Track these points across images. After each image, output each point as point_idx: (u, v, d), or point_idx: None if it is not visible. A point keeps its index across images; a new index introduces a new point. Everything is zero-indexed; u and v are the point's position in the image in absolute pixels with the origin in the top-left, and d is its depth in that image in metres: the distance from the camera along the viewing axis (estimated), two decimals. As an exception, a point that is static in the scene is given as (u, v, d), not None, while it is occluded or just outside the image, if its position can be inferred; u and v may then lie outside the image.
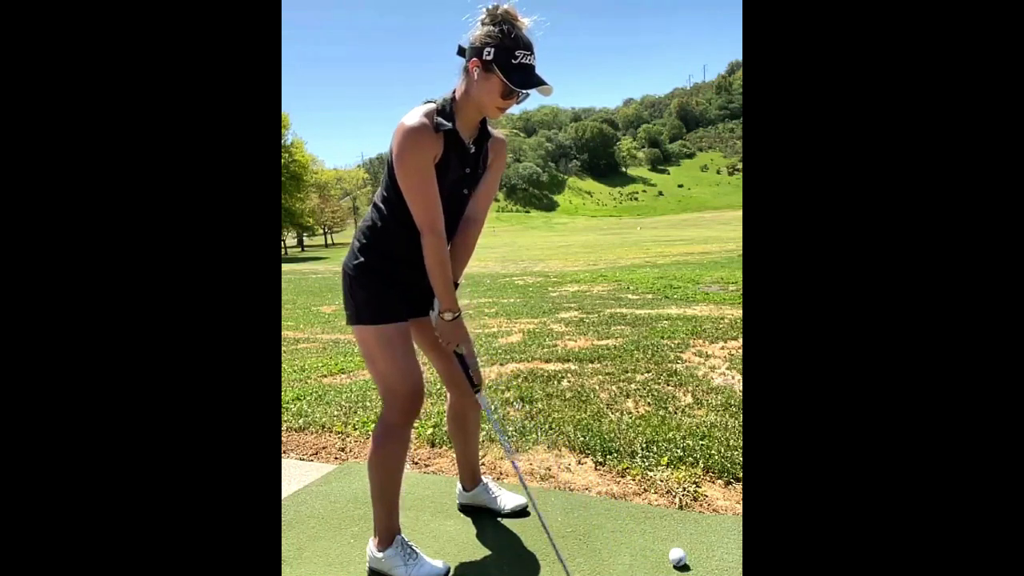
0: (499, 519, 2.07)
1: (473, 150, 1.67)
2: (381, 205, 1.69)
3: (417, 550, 1.76)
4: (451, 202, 1.66)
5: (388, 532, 1.75)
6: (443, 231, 1.60)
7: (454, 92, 1.61)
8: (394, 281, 1.71)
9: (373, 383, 3.83)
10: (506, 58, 1.50)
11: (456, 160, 1.63)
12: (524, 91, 1.52)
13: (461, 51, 1.57)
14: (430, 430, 2.87)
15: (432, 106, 1.59)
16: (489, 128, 1.73)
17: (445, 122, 1.57)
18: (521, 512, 2.09)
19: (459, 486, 2.16)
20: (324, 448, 2.84)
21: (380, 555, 1.74)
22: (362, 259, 1.70)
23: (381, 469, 1.72)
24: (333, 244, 66.13)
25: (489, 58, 1.50)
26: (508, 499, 2.12)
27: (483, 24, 1.52)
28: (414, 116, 1.55)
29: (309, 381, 4.06)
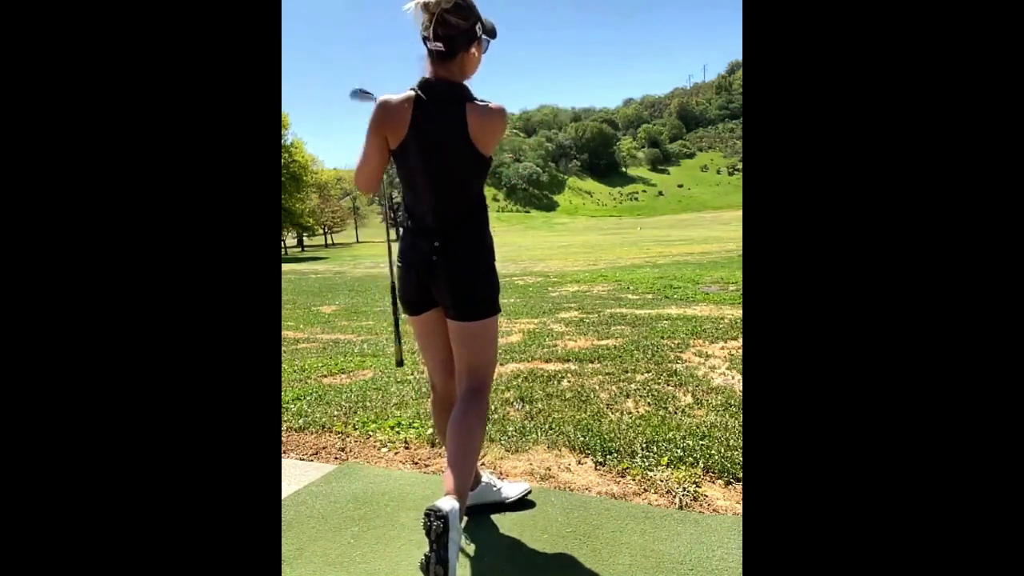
0: (499, 519, 2.07)
1: None
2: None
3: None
4: None
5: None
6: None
7: (455, 79, 1.69)
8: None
9: (373, 383, 3.84)
10: (482, 26, 1.68)
11: None
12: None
13: (442, 54, 1.65)
14: (430, 430, 2.87)
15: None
16: None
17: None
18: (526, 502, 2.09)
19: None
20: (324, 448, 2.84)
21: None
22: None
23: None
24: (333, 244, 66.09)
25: (481, 34, 1.68)
26: (510, 489, 2.12)
27: (438, 16, 1.60)
28: (495, 101, 1.70)
29: (309, 381, 4.06)
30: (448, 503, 1.53)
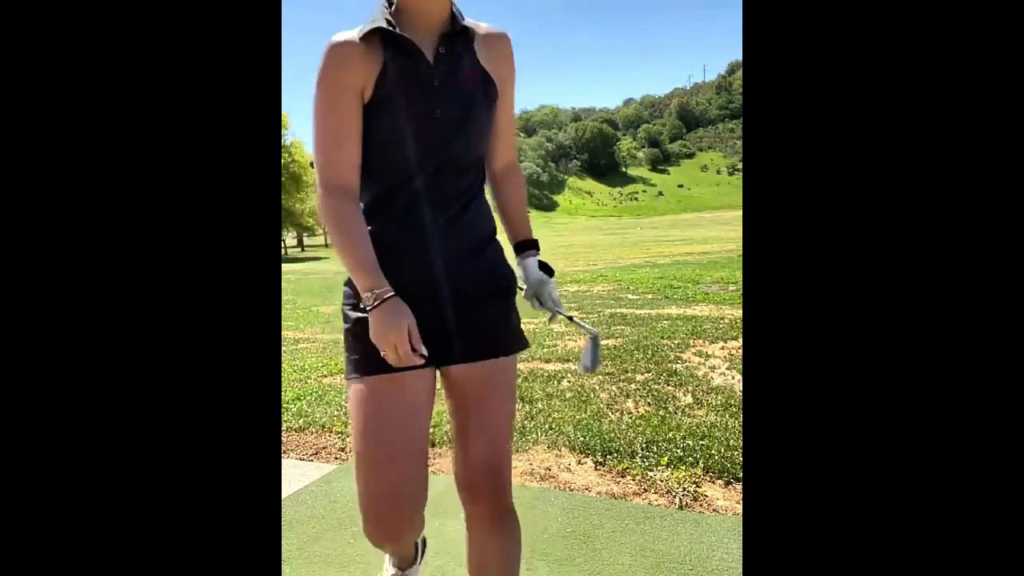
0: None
1: (442, 51, 1.12)
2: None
3: None
4: (424, 132, 1.13)
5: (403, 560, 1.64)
6: (350, 187, 1.18)
7: None
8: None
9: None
10: None
11: (410, 72, 1.11)
12: None
13: None
14: (430, 430, 2.87)
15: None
16: (469, 22, 1.17)
17: (378, 24, 1.09)
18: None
19: None
20: (324, 448, 2.84)
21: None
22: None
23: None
24: (333, 244, 66.03)
25: None
26: None
27: None
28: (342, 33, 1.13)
29: (309, 381, 4.06)
30: None
